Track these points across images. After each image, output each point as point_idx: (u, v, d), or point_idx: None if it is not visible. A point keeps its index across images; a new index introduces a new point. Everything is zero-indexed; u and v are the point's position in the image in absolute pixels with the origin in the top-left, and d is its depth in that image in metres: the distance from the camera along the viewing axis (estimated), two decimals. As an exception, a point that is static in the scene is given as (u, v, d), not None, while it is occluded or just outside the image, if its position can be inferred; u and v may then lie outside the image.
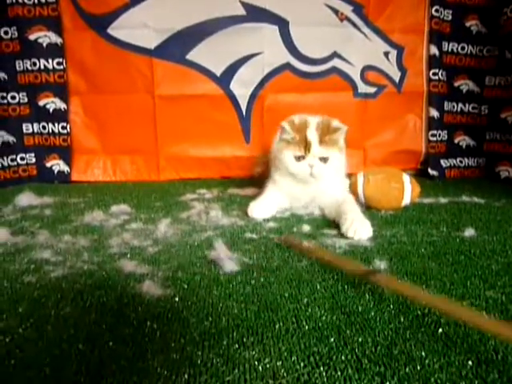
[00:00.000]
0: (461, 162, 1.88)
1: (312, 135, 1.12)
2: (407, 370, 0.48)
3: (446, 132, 1.86)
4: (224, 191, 1.52)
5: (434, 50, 1.79)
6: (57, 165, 1.77)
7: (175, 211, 1.22)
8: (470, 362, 0.49)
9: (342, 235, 0.97)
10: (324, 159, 1.13)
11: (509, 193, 1.43)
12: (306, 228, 1.04)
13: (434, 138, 1.84)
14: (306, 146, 1.12)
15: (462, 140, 1.89)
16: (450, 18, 1.80)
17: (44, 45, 1.68)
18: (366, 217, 1.03)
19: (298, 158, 1.14)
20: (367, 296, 0.67)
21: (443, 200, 1.33)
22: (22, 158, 1.74)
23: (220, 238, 0.91)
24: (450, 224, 1.07)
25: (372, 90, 1.83)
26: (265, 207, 1.16)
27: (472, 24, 1.81)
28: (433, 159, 1.84)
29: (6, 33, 1.64)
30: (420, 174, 1.81)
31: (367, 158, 1.86)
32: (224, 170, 1.84)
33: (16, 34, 1.65)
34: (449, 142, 1.87)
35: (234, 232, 1.02)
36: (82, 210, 1.25)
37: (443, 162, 1.85)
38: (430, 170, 1.81)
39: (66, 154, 1.77)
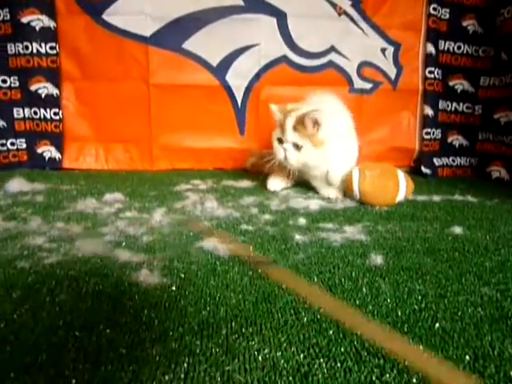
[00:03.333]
0: (453, 161, 1.90)
1: (289, 121, 1.22)
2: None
3: (439, 131, 1.87)
4: (218, 183, 1.51)
5: (430, 48, 1.80)
6: (48, 151, 1.74)
7: (170, 201, 1.21)
8: (467, 357, 0.50)
9: (337, 229, 0.98)
10: (297, 146, 1.22)
11: (501, 193, 1.44)
12: (302, 221, 1.04)
13: (428, 137, 1.85)
14: (284, 131, 1.23)
15: (455, 139, 1.90)
16: (448, 16, 1.80)
17: (37, 28, 1.64)
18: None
19: (280, 141, 1.26)
20: (364, 290, 0.67)
21: (436, 198, 1.34)
22: (13, 144, 1.71)
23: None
24: (444, 221, 1.08)
25: (368, 86, 1.83)
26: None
27: (469, 24, 1.82)
28: (426, 157, 1.85)
29: (-3, 14, 1.60)
30: (413, 172, 1.81)
31: (361, 154, 1.86)
32: (218, 161, 1.83)
33: (8, 16, 1.61)
34: (442, 140, 1.88)
35: (230, 223, 1.01)
36: (74, 197, 1.23)
37: (436, 161, 1.86)
38: (422, 168, 1.82)
39: (57, 140, 1.74)
